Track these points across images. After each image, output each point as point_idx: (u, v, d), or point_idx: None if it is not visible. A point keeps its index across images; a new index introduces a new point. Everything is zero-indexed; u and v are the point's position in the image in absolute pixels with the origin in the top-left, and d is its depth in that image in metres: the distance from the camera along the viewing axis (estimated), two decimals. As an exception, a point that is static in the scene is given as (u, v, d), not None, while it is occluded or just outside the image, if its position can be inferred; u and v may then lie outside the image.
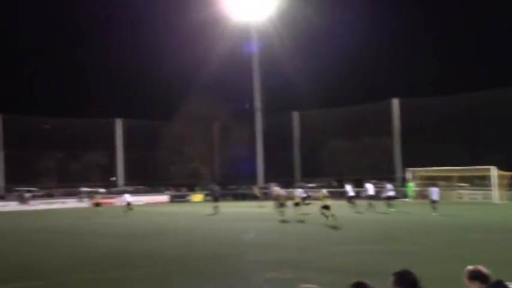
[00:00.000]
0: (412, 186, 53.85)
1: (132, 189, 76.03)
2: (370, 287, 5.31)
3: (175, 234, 26.06)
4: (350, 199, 39.37)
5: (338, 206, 32.39)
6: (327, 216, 28.84)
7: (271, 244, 20.74)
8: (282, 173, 72.54)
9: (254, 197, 55.89)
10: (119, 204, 68.48)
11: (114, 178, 78.12)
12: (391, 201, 39.75)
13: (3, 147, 74.26)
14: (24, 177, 73.94)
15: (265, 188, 66.59)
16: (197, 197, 71.54)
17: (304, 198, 37.42)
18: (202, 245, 21.18)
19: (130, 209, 42.18)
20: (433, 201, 35.81)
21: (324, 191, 32.53)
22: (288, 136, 78.97)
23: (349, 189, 40.04)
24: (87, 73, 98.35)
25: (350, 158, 73.84)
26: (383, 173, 62.64)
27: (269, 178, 72.09)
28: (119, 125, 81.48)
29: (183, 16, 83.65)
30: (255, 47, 74.12)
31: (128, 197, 45.30)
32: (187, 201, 70.62)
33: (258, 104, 75.59)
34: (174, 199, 71.43)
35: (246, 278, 13.66)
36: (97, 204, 43.88)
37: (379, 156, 71.03)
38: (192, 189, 77.18)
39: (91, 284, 13.63)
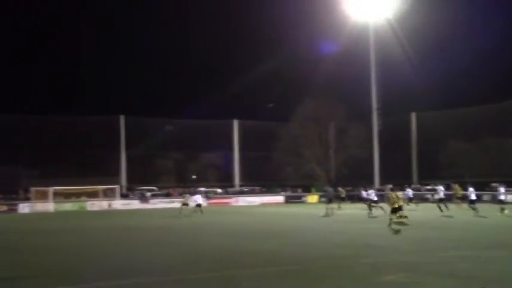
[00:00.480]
0: None
1: (247, 190, 77.11)
2: None
3: (290, 235, 26.01)
4: (471, 202, 37.97)
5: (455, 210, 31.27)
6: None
7: (386, 246, 20.25)
8: (398, 174, 71.11)
9: (341, 199, 55.07)
10: (235, 204, 69.82)
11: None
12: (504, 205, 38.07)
13: (125, 148, 77.15)
14: (145, 177, 76.77)
15: (381, 189, 65.43)
16: (312, 198, 71.44)
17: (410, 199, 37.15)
18: (316, 246, 21.00)
19: (200, 211, 42.51)
20: None
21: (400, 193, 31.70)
22: (405, 137, 77.38)
23: (470, 192, 38.65)
24: (206, 76, 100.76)
25: (470, 160, 71.27)
26: (507, 176, 59.93)
27: (385, 180, 70.81)
28: (235, 126, 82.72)
29: (303, 16, 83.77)
30: (372, 47, 73.11)
31: (199, 199, 45.93)
32: (303, 202, 70.67)
33: (374, 104, 74.46)
34: (289, 200, 71.68)
35: (361, 281, 13.36)
36: (185, 204, 44.53)
37: (503, 158, 68.08)
38: (307, 190, 77.17)
39: (205, 282, 13.76)
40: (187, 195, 49.86)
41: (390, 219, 28.03)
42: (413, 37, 72.39)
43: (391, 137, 74.19)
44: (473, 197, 38.04)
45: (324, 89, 77.79)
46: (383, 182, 70.52)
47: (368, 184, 69.52)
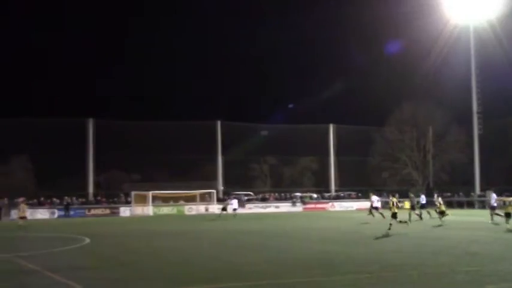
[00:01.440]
0: None
1: (343, 195, 76.57)
2: None
3: (384, 241, 25.63)
4: None
5: None
6: None
7: (487, 254, 19.55)
8: (500, 180, 68.74)
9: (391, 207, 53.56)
10: (330, 209, 69.50)
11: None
12: None
13: (221, 153, 78.29)
14: (240, 181, 77.71)
15: (483, 195, 63.79)
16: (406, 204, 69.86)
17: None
18: (412, 252, 20.56)
19: (234, 216, 42.74)
20: None
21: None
22: (508, 142, 74.80)
23: None
24: (302, 80, 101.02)
25: None
26: None
27: (487, 186, 68.70)
28: (331, 131, 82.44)
29: (401, 18, 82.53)
30: (473, 49, 71.11)
31: (235, 203, 46.77)
32: (400, 208, 69.30)
33: (475, 108, 72.29)
34: (385, 205, 70.57)
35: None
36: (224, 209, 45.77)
37: None
38: (404, 195, 75.55)
39: (302, 286, 13.73)
40: (228, 200, 51.21)
41: (390, 224, 29.72)
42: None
43: (492, 142, 71.84)
44: None
45: (423, 93, 76.42)
46: (484, 188, 68.46)
47: (469, 190, 67.68)
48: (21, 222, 38.66)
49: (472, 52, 71.05)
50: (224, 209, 45.80)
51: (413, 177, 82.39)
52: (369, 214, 44.22)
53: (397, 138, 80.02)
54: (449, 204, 67.14)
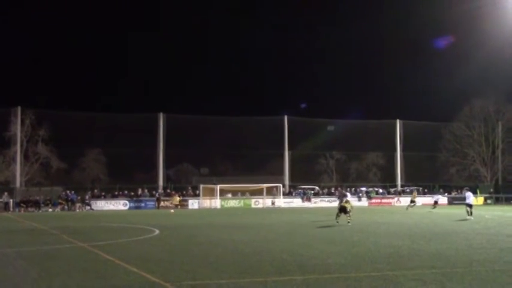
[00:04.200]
0: None
1: (409, 190, 76.15)
2: None
3: (448, 236, 25.71)
4: None
5: None
6: None
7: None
8: None
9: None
10: (396, 204, 69.24)
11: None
12: None
13: (288, 148, 78.89)
14: (307, 176, 78.21)
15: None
16: (477, 200, 69.08)
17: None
18: (482, 249, 20.69)
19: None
20: None
21: None
22: None
23: None
24: (369, 76, 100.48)
25: None
26: None
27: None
28: (398, 126, 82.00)
29: (475, 13, 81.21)
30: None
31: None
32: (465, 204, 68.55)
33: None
34: (452, 201, 69.99)
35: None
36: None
37: None
38: (472, 191, 74.61)
39: (370, 280, 14.17)
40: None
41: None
42: None
43: None
44: None
45: (492, 88, 75.20)
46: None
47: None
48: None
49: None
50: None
51: (482, 173, 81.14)
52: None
53: (466, 133, 79.01)
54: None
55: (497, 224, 34.46)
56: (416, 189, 69.69)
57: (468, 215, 37.67)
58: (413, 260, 17.69)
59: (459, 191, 70.32)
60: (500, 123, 79.31)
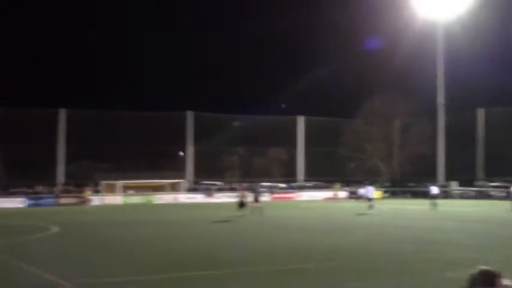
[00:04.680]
0: None
1: (311, 185, 77.55)
2: (499, 277, 4.51)
3: (350, 230, 26.42)
4: None
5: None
6: None
7: (449, 242, 20.51)
8: (463, 171, 70.48)
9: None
10: (298, 199, 70.39)
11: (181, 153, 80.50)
12: None
13: (193, 143, 78.67)
14: (211, 172, 78.26)
15: (444, 186, 65.39)
16: (375, 194, 71.16)
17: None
18: (378, 241, 21.38)
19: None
20: None
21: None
22: (471, 134, 76.40)
23: None
24: (270, 71, 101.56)
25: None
26: None
27: (450, 176, 70.39)
28: (300, 122, 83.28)
29: (370, 13, 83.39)
30: (440, 43, 72.44)
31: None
32: (334, 198, 70.42)
33: (441, 100, 73.79)
34: (351, 195, 71.67)
35: (423, 277, 13.76)
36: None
37: None
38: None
39: (278, 274, 14.35)
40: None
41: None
42: (483, 33, 71.43)
43: (456, 134, 73.28)
44: None
45: (390, 85, 77.70)
46: (448, 178, 70.01)
47: (432, 181, 69.14)
48: None
49: (440, 46, 72.35)
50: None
51: (380, 168, 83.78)
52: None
53: (365, 130, 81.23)
54: (414, 194, 68.68)
55: (394, 216, 35.65)
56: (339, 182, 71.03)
57: (368, 208, 38.64)
58: (311, 253, 18.05)
59: (360, 185, 72.24)
60: (397, 119, 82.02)
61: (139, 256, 17.98)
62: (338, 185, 61.67)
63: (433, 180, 68.90)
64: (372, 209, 38.14)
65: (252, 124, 79.66)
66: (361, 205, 40.87)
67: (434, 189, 46.50)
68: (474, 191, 67.92)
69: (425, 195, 61.41)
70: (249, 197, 39.78)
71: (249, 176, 78.92)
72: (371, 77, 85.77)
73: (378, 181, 76.92)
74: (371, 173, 79.69)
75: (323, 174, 78.00)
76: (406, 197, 68.13)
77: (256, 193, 40.59)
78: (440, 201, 45.07)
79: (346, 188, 44.32)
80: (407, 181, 75.83)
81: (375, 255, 17.60)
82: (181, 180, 71.19)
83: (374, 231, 25.64)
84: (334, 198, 54.52)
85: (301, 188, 76.75)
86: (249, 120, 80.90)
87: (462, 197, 65.39)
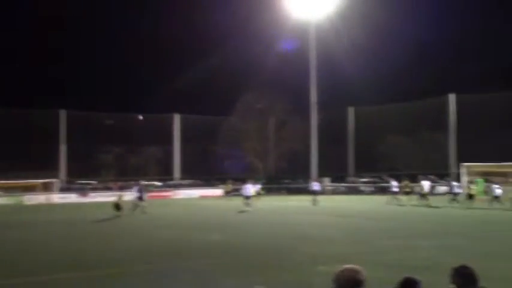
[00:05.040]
0: (481, 182, 49.03)
1: (188, 183, 77.37)
2: (419, 285, 5.34)
3: (229, 227, 26.59)
4: (423, 195, 41.80)
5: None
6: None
7: (323, 237, 21.12)
8: (335, 167, 72.86)
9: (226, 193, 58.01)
10: (174, 197, 70.01)
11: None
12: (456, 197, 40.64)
13: (65, 141, 76.40)
14: (86, 171, 76.25)
15: (319, 181, 67.14)
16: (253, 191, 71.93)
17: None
18: (254, 237, 21.65)
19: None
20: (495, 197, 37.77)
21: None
22: (343, 131, 79.03)
23: (424, 184, 42.50)
24: (145, 70, 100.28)
25: (405, 154, 73.54)
26: (437, 169, 62.37)
27: (323, 173, 72.36)
28: (177, 120, 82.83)
29: (243, 14, 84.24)
30: (312, 42, 74.23)
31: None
32: (241, 195, 71.15)
33: (313, 98, 75.72)
34: (231, 193, 72.08)
35: (297, 271, 14.08)
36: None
37: (434, 152, 70.48)
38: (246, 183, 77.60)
39: (145, 274, 14.20)
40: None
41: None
42: (354, 32, 73.88)
43: (329, 131, 75.50)
44: (426, 189, 40.89)
45: (265, 84, 78.76)
46: (321, 174, 71.98)
47: (306, 177, 70.87)
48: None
49: (312, 45, 74.16)
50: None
51: (255, 165, 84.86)
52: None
53: (241, 127, 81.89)
54: (290, 191, 70.22)
55: (271, 213, 36.15)
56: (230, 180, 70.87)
57: (246, 206, 38.82)
58: (189, 251, 18.05)
59: (239, 183, 72.71)
60: (272, 117, 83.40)
61: (8, 258, 17.24)
62: (230, 183, 61.85)
63: (307, 177, 70.76)
64: (250, 206, 38.46)
65: (127, 122, 78.45)
66: (240, 202, 41.13)
67: (316, 186, 47.72)
68: (345, 186, 70.29)
69: (301, 191, 63.21)
70: (127, 196, 39.20)
71: (125, 174, 77.69)
72: (246, 75, 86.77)
73: (254, 178, 78.01)
74: (247, 170, 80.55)
75: (200, 172, 78.07)
76: (281, 194, 69.43)
77: (141, 192, 39.95)
78: (311, 197, 46.29)
79: (248, 186, 44.32)
80: (282, 178, 77.38)
81: (252, 251, 17.82)
82: (54, 180, 68.92)
83: (251, 228, 25.94)
84: (227, 196, 54.66)
85: (178, 186, 76.40)
86: (124, 119, 79.56)
87: (334, 192, 67.51)
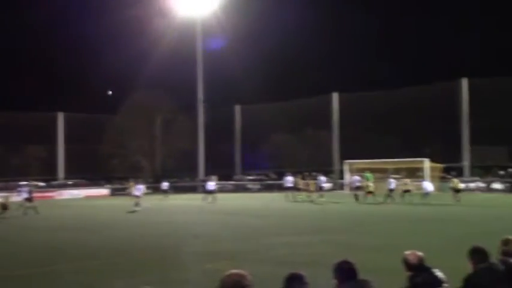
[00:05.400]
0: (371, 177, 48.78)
1: (72, 183, 75.37)
2: (304, 279, 5.67)
3: (116, 227, 26.24)
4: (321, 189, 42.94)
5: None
6: None
7: (210, 236, 21.26)
8: (223, 166, 73.28)
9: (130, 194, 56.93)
10: (58, 197, 68.02)
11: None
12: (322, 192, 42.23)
13: None
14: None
15: (204, 180, 67.48)
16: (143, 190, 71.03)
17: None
18: (142, 237, 21.51)
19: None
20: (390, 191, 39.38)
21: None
22: (229, 129, 79.53)
23: (321, 181, 43.39)
24: (28, 67, 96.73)
25: (291, 151, 75.02)
26: (322, 166, 64.03)
27: (210, 171, 72.63)
28: (60, 119, 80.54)
29: (130, 11, 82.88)
30: (199, 40, 74.26)
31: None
32: (128, 194, 70.13)
33: (200, 96, 75.80)
34: (114, 192, 70.93)
35: (184, 270, 14.14)
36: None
37: (319, 149, 72.31)
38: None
39: (29, 278, 13.82)
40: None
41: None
42: (239, 29, 74.61)
43: (216, 129, 75.79)
44: (323, 185, 42.02)
45: (152, 82, 78.06)
46: (208, 173, 72.19)
47: (193, 176, 71.00)
48: None
49: (198, 43, 74.22)
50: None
51: (142, 164, 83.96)
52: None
53: (127, 126, 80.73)
54: (176, 189, 69.92)
55: (160, 212, 35.89)
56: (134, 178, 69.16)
57: (135, 205, 38.18)
58: (76, 252, 17.69)
59: (124, 182, 71.56)
60: (159, 115, 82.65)
61: None
62: (132, 182, 60.43)
63: (195, 176, 70.87)
64: (139, 206, 38.03)
65: (8, 121, 75.44)
66: (129, 202, 40.56)
67: (210, 186, 47.68)
68: (232, 184, 70.78)
69: (187, 190, 63.08)
70: (14, 198, 37.97)
71: (6, 175, 74.72)
72: (133, 73, 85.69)
73: (140, 177, 77.14)
74: (134, 169, 79.64)
75: (85, 171, 76.35)
76: (168, 193, 68.97)
77: (30, 193, 38.79)
78: (200, 196, 46.38)
79: (140, 186, 43.32)
80: (170, 177, 76.94)
81: (140, 251, 17.71)
82: None
83: (140, 228, 25.70)
84: (129, 195, 53.48)
85: (62, 187, 74.34)
86: (2, 117, 76.46)
87: (221, 190, 67.87)
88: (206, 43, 74.72)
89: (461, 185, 42.19)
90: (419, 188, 41.90)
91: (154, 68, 76.97)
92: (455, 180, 41.84)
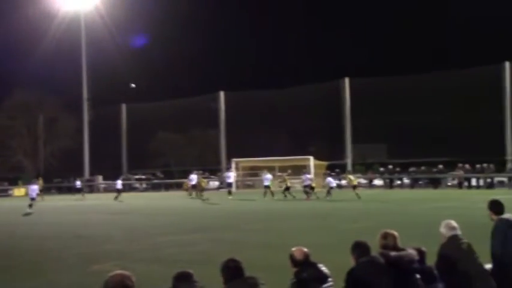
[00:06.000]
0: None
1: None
2: (192, 278, 5.74)
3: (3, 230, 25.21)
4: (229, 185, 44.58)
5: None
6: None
7: (97, 236, 20.77)
8: (109, 165, 72.09)
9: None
10: None
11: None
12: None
13: None
14: None
15: (91, 180, 66.20)
16: (20, 191, 68.58)
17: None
18: (25, 240, 20.74)
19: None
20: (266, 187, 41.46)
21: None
22: (116, 128, 78.30)
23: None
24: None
25: (178, 150, 74.92)
26: (210, 165, 64.32)
27: (96, 170, 71.32)
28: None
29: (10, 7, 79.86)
30: (83, 36, 72.61)
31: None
32: (9, 195, 67.65)
33: (85, 95, 74.22)
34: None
35: (69, 272, 13.69)
36: None
37: (207, 148, 72.60)
38: (14, 183, 73.83)
39: None
40: None
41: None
42: (124, 26, 73.68)
43: (102, 128, 74.44)
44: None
45: (35, 80, 75.76)
46: (94, 172, 70.81)
47: (78, 175, 69.26)
48: None
49: (83, 39, 72.57)
50: None
51: (24, 164, 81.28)
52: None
53: (8, 125, 77.94)
54: (60, 190, 68.09)
55: (44, 213, 34.75)
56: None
57: (29, 208, 36.57)
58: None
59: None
60: (42, 113, 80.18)
61: None
62: (40, 180, 57.71)
63: (80, 175, 69.20)
64: (32, 207, 36.39)
65: None
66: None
67: (119, 185, 47.10)
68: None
69: (72, 190, 61.38)
70: None
71: None
72: (10, 71, 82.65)
73: (21, 178, 74.41)
74: (15, 170, 77.08)
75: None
76: (51, 193, 66.97)
77: None
78: (87, 195, 45.41)
79: (34, 187, 41.13)
80: (53, 177, 74.85)
81: (23, 254, 16.99)
82: None
83: (21, 230, 24.76)
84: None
85: None
86: None
87: (107, 190, 66.69)
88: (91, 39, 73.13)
89: (357, 181, 43.84)
90: (325, 185, 42.69)
91: (38, 66, 74.76)
92: (351, 176, 43.23)
